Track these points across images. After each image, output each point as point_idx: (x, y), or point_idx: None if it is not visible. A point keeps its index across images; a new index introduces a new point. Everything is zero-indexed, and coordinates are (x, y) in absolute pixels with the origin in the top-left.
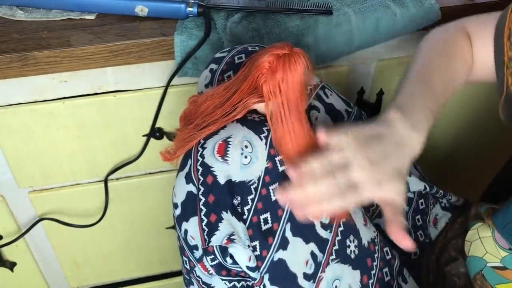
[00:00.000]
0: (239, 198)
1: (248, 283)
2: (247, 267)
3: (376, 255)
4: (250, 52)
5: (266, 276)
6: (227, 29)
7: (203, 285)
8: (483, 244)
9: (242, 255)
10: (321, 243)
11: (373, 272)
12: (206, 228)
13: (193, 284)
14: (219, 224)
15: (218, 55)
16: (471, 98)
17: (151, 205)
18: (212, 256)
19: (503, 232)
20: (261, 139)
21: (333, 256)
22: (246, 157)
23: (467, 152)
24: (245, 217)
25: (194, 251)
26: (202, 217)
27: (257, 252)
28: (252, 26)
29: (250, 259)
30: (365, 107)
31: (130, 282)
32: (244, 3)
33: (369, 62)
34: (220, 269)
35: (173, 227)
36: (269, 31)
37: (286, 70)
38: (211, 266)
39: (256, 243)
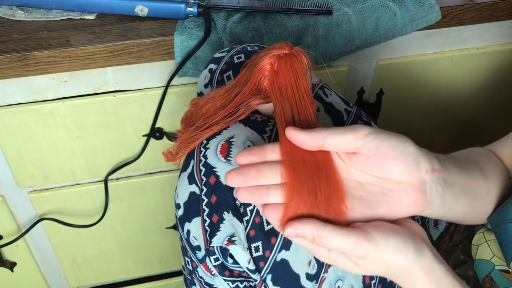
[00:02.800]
0: None
1: (250, 283)
2: (247, 269)
3: None
4: (249, 52)
5: (269, 277)
6: (227, 29)
7: (205, 286)
8: (490, 247)
9: (242, 257)
10: None
11: None
12: (208, 229)
13: (195, 285)
14: (221, 224)
15: (217, 55)
16: (471, 97)
17: (151, 205)
18: (216, 256)
19: (496, 232)
20: (264, 139)
21: None
22: None
23: None
24: (247, 217)
25: (197, 251)
26: (205, 217)
27: (260, 253)
28: (252, 26)
29: (249, 262)
30: (365, 107)
31: (130, 282)
32: (244, 3)
33: (369, 62)
34: (223, 269)
35: (173, 227)
36: (269, 31)
37: (289, 70)
38: (215, 266)
39: (259, 243)
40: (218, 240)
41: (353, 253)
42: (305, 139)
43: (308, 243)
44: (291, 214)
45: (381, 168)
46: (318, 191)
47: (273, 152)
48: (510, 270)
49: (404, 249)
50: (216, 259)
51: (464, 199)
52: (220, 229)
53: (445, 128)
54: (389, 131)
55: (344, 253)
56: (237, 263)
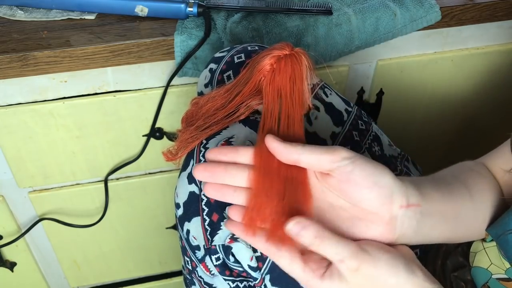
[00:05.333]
0: None
1: (250, 283)
2: (249, 266)
3: None
4: (249, 51)
5: (268, 277)
6: (227, 29)
7: (205, 285)
8: (488, 255)
9: (245, 254)
10: None
11: None
12: (208, 228)
13: (194, 284)
14: (222, 223)
15: (217, 54)
16: (471, 97)
17: (151, 205)
18: (217, 255)
19: (497, 242)
20: None
21: None
22: None
23: (469, 151)
24: None
25: (196, 251)
26: (205, 216)
27: (258, 253)
28: (252, 26)
29: (252, 259)
30: (365, 107)
31: (130, 282)
32: (244, 3)
33: (369, 62)
34: (224, 269)
35: (173, 227)
36: (269, 31)
37: (287, 72)
38: (215, 266)
39: None
40: (220, 238)
41: (350, 261)
42: (281, 151)
43: (301, 273)
44: (250, 219)
45: (351, 195)
46: (284, 197)
47: (245, 155)
48: None
49: (394, 267)
50: (218, 258)
51: (444, 226)
52: (221, 227)
53: (445, 128)
54: (370, 159)
55: (342, 260)
56: (238, 262)
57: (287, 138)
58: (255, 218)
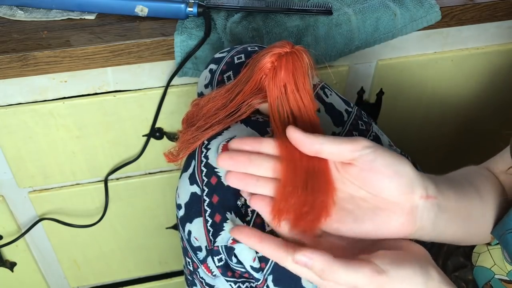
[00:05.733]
0: (243, 199)
1: (252, 284)
2: (251, 267)
3: None
4: (249, 52)
5: (270, 278)
6: (227, 29)
7: (206, 287)
8: (491, 255)
9: (247, 255)
10: None
11: None
12: (211, 229)
13: (196, 285)
14: (224, 224)
15: (217, 55)
16: (472, 97)
17: (151, 205)
18: (220, 256)
19: (500, 241)
20: None
21: None
22: None
23: (469, 152)
24: (248, 218)
25: (198, 252)
26: (207, 218)
27: (261, 254)
28: (252, 26)
29: (254, 259)
30: (365, 107)
31: (130, 282)
32: (244, 3)
33: (369, 62)
34: (226, 270)
35: (173, 227)
36: (269, 31)
37: (289, 69)
38: (218, 267)
39: None
40: (223, 239)
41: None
42: (304, 141)
43: (314, 276)
44: (279, 210)
45: (373, 184)
46: (306, 188)
47: (268, 146)
48: None
49: (413, 277)
50: (220, 260)
51: (458, 224)
52: (224, 228)
53: (445, 128)
54: (389, 149)
55: (355, 287)
56: (241, 263)
57: (305, 130)
58: (282, 209)
